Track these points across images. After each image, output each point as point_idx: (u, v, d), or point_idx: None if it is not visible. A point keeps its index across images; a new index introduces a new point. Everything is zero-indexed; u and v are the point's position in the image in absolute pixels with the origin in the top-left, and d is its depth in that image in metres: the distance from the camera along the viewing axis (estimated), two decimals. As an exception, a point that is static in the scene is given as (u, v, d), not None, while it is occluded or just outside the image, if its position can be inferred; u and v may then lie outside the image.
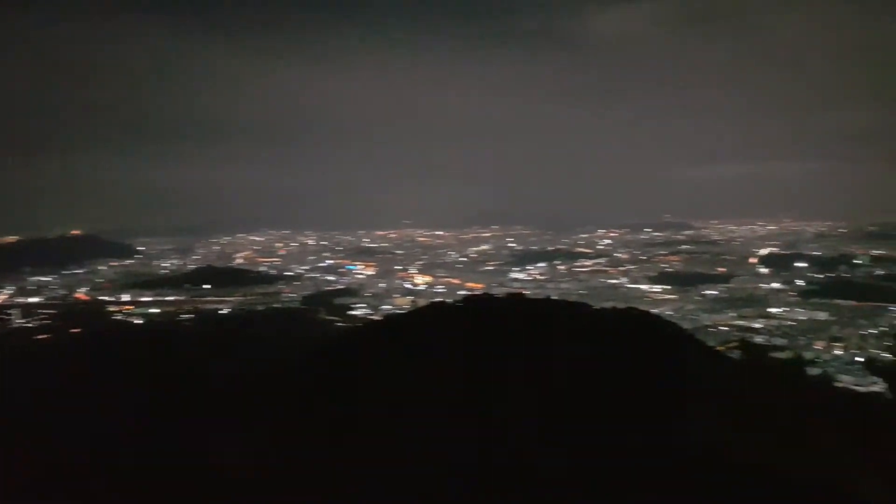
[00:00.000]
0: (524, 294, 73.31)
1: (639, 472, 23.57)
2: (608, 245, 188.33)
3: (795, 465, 17.11)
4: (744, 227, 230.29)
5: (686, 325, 71.66)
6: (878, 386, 57.58)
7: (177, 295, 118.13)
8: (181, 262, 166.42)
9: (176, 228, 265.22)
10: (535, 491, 24.97)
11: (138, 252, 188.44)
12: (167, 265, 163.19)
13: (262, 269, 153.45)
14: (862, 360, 67.32)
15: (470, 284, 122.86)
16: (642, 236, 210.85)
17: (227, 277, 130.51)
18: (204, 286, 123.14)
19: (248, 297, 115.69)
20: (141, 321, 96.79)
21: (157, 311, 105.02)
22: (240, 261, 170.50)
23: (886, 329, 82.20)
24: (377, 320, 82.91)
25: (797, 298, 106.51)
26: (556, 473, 25.50)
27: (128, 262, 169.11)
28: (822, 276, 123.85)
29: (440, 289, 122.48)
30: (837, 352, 71.95)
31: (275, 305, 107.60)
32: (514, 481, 26.30)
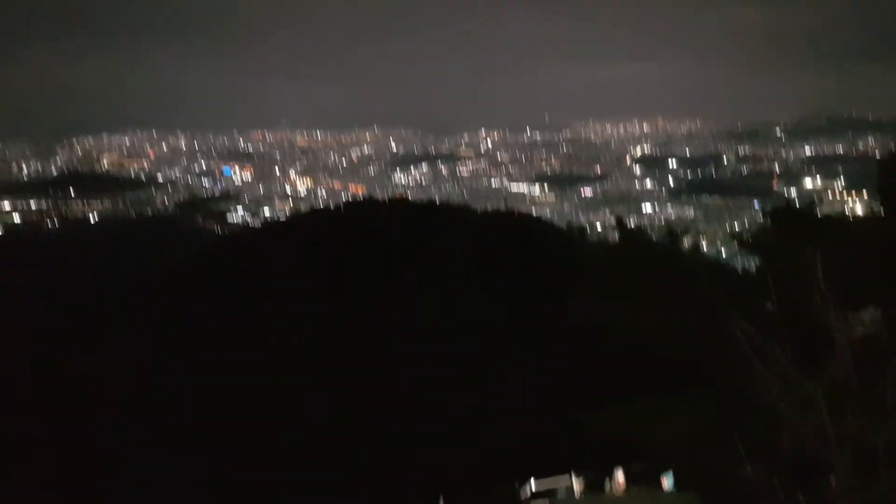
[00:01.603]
0: (407, 198, 72.81)
1: (530, 352, 23.84)
2: (490, 146, 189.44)
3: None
4: (620, 127, 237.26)
5: (564, 225, 73.67)
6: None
7: (40, 203, 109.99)
8: (42, 167, 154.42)
9: (34, 129, 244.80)
10: (422, 387, 24.98)
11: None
12: (26, 170, 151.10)
13: (130, 172, 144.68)
14: (724, 253, 71.81)
15: (352, 188, 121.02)
16: (523, 137, 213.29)
17: (93, 182, 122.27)
18: (69, 192, 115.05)
19: (119, 204, 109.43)
20: (0, 232, 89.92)
21: (19, 221, 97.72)
22: (106, 164, 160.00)
23: (748, 224, 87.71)
24: (256, 228, 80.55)
25: (668, 196, 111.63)
26: (442, 366, 25.50)
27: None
28: (691, 174, 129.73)
29: (321, 193, 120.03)
30: (704, 247, 76.36)
31: (147, 212, 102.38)
32: (401, 381, 26.28)
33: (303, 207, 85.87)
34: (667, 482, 15.03)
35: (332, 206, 64.75)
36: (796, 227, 14.12)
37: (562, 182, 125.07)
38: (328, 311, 34.16)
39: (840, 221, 16.02)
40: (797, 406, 6.49)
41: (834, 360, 6.54)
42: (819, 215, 17.43)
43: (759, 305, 7.70)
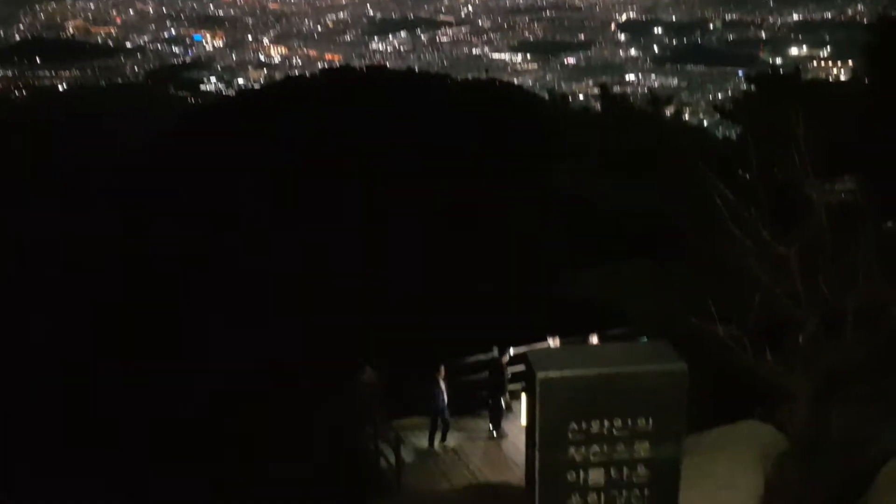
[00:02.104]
0: (385, 66, 70.86)
1: (508, 219, 23.96)
2: (471, 11, 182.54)
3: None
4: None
5: (546, 94, 72.37)
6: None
7: (4, 70, 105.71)
8: (4, 33, 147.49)
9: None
10: (399, 256, 25.10)
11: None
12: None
13: (98, 39, 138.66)
14: (706, 123, 71.30)
15: (328, 56, 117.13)
16: (505, 1, 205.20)
17: (59, 50, 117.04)
18: (35, 60, 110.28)
19: (87, 72, 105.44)
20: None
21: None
22: (72, 30, 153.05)
23: (731, 93, 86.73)
24: (231, 97, 78.32)
25: (652, 65, 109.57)
26: (408, 233, 25.54)
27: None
28: (676, 41, 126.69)
29: (296, 61, 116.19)
30: (686, 116, 75.70)
31: (118, 81, 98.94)
32: (379, 248, 26.32)
33: (277, 76, 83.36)
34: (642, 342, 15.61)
35: (307, 75, 62.80)
36: (779, 92, 13.98)
37: (545, 50, 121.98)
38: (304, 185, 33.81)
39: (824, 86, 15.90)
40: (770, 268, 6.63)
41: (809, 224, 6.62)
42: (803, 81, 17.27)
43: (739, 171, 7.70)
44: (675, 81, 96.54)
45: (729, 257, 7.08)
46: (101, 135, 61.31)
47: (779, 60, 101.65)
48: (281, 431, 15.10)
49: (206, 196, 36.11)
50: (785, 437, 5.79)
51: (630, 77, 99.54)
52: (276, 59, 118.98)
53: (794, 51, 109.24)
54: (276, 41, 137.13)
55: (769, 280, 6.59)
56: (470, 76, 67.60)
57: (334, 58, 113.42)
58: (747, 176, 7.79)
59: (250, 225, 31.30)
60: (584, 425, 2.47)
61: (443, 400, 14.80)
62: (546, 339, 15.64)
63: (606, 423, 2.48)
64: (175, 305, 22.88)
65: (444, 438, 14.74)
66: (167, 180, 40.15)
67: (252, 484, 13.29)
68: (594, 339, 15.44)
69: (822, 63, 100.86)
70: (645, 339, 15.46)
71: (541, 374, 2.41)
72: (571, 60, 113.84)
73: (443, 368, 15.02)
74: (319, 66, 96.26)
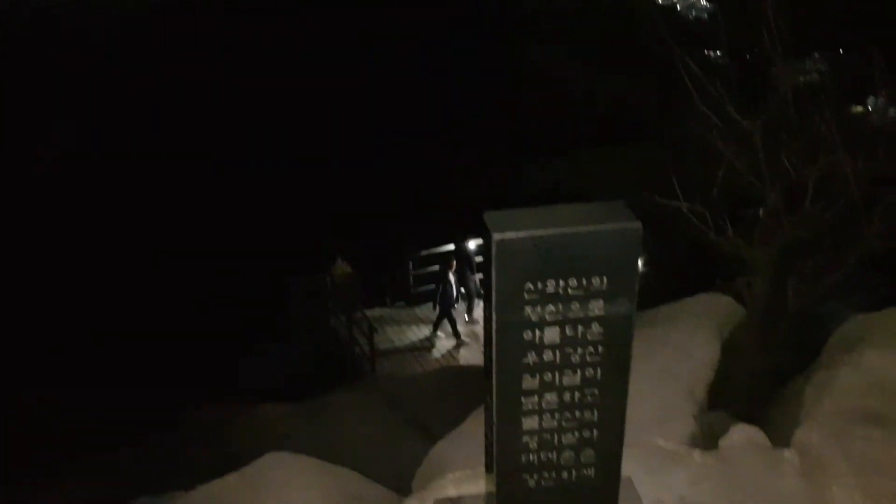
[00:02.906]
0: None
1: (480, 101, 23.63)
2: None
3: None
4: None
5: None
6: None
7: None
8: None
9: None
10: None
11: None
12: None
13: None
14: (679, 7, 69.73)
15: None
16: None
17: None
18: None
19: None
20: None
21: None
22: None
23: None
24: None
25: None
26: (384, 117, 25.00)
27: None
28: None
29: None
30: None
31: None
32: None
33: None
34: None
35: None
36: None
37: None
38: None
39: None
40: (734, 144, 6.67)
41: (774, 99, 6.62)
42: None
43: (708, 48, 7.61)
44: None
45: (694, 135, 7.09)
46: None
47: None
48: (256, 323, 15.30)
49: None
50: (742, 307, 5.99)
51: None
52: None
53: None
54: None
55: (733, 156, 6.64)
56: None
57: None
58: (717, 53, 7.69)
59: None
60: (539, 285, 2.50)
61: (452, 294, 15.03)
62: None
63: (562, 282, 2.51)
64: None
65: (455, 332, 15.06)
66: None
67: (231, 374, 13.57)
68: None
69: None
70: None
71: (497, 236, 2.42)
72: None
73: (454, 262, 15.13)
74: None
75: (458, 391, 9.60)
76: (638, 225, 2.51)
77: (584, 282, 2.54)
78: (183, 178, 20.67)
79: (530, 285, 2.51)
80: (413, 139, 22.26)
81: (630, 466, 3.37)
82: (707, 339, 5.11)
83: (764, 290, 6.51)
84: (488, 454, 2.85)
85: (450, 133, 22.06)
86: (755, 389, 5.77)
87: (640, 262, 2.58)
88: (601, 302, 2.57)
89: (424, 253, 17.51)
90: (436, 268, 17.03)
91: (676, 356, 4.83)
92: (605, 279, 2.54)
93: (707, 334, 5.14)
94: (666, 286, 12.44)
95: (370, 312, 16.50)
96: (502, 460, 2.76)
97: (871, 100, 8.02)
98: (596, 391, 2.70)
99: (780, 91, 6.74)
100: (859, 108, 8.69)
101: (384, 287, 18.02)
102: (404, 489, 4.44)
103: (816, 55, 12.26)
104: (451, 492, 3.50)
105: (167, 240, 18.21)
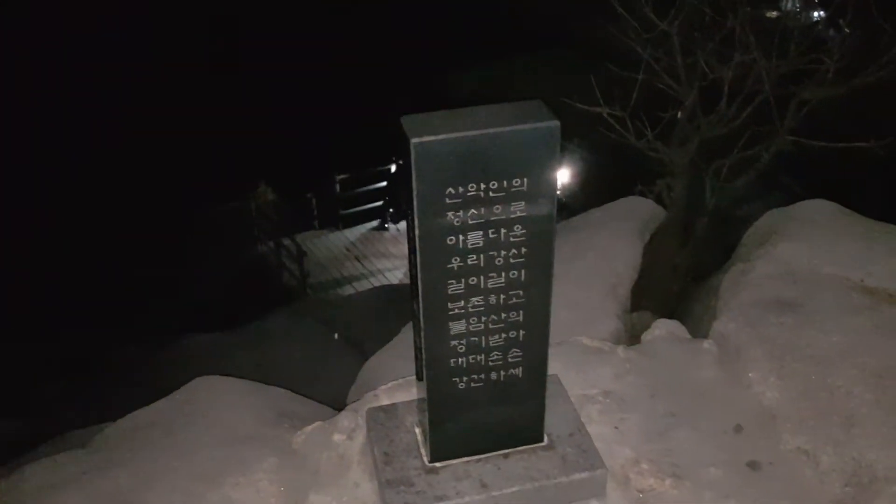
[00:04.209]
0: None
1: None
2: None
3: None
4: None
5: None
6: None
7: None
8: None
9: None
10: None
11: None
12: None
13: None
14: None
15: None
16: None
17: None
18: None
19: None
20: None
21: None
22: None
23: None
24: None
25: None
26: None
27: None
28: None
29: None
30: None
31: None
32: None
33: None
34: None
35: None
36: None
37: None
38: None
39: None
40: (652, 46, 6.69)
41: (689, 1, 6.62)
42: None
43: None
44: None
45: (613, 39, 7.08)
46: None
47: None
48: (176, 253, 14.92)
49: None
50: (663, 209, 6.13)
51: None
52: None
53: None
54: None
55: (651, 58, 6.67)
56: None
57: None
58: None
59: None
60: (460, 189, 2.47)
61: None
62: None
63: (483, 185, 2.48)
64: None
65: None
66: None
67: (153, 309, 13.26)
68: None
69: None
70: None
71: (415, 140, 2.36)
72: None
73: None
74: None
75: (392, 309, 9.65)
76: (556, 123, 2.49)
77: (505, 183, 2.52)
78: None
79: (451, 189, 2.48)
80: (326, 55, 21.55)
81: (557, 365, 3.45)
82: (630, 242, 5.22)
83: (682, 191, 6.69)
84: (418, 360, 2.87)
85: (366, 47, 21.46)
86: (676, 287, 5.99)
87: (559, 164, 2.57)
88: (522, 203, 2.56)
89: (346, 176, 17.33)
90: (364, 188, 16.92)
91: (600, 259, 4.93)
92: (525, 180, 2.53)
93: (629, 237, 5.25)
94: (591, 191, 12.68)
95: (299, 237, 16.32)
96: (431, 366, 2.78)
97: (784, 2, 8.10)
98: (521, 292, 2.72)
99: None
100: (773, 13, 8.79)
101: (312, 211, 17.79)
102: (339, 405, 4.47)
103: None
104: (384, 401, 3.54)
105: (78, 173, 17.37)
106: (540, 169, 2.50)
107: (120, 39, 21.52)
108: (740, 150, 6.77)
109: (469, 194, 2.47)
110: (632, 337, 4.54)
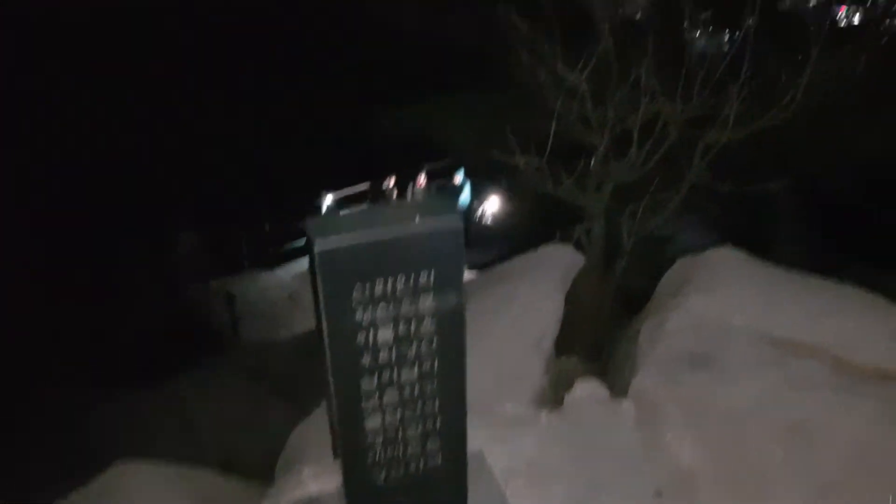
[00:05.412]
0: None
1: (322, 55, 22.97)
2: None
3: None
4: None
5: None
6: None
7: None
8: None
9: None
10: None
11: None
12: None
13: None
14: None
15: None
16: None
17: None
18: None
19: None
20: None
21: None
22: None
23: None
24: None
25: None
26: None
27: None
28: None
29: None
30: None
31: None
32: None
33: None
34: (458, 176, 16.03)
35: None
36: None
37: None
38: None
39: None
40: (564, 95, 6.85)
41: (598, 51, 6.82)
42: None
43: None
44: None
45: (529, 88, 7.23)
46: None
47: None
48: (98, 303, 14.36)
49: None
50: (582, 254, 6.25)
51: None
52: None
53: None
54: None
55: (563, 108, 6.82)
56: None
57: None
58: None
59: None
60: (367, 287, 2.46)
61: None
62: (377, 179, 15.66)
63: (390, 281, 2.48)
64: None
65: None
66: None
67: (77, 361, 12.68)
68: (422, 178, 15.73)
69: None
70: (462, 171, 16.00)
71: (318, 247, 2.36)
72: None
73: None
74: None
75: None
76: (459, 224, 2.53)
77: (413, 278, 2.53)
78: None
79: (358, 289, 2.48)
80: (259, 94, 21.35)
81: (481, 437, 3.46)
82: (551, 292, 5.30)
83: (599, 235, 6.85)
84: (335, 453, 2.83)
85: (297, 87, 21.35)
86: (598, 333, 6.10)
87: (465, 255, 2.60)
88: (431, 296, 2.58)
89: (276, 211, 17.05)
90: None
91: (523, 312, 4.99)
92: (432, 274, 2.54)
93: (551, 286, 5.33)
94: (513, 238, 12.84)
95: (228, 279, 15.98)
96: (349, 462, 2.76)
97: (689, 41, 8.42)
98: (435, 382, 2.73)
99: (602, 39, 6.95)
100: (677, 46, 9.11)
101: (240, 251, 17.45)
102: (268, 475, 4.37)
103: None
104: (309, 485, 3.48)
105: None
106: (446, 262, 2.52)
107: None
108: (652, 194, 6.97)
109: (376, 293, 2.47)
110: (557, 391, 4.60)
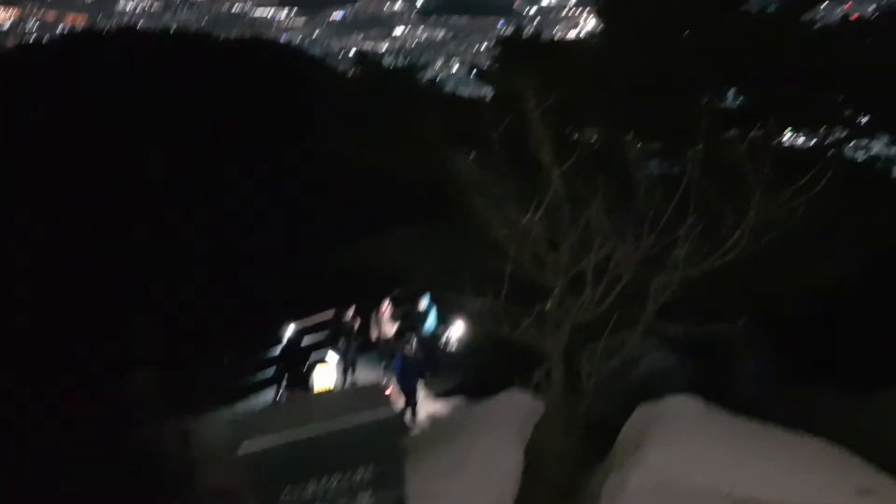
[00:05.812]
0: (136, 28, 65.35)
1: (278, 187, 23.20)
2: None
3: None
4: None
5: (316, 51, 71.01)
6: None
7: None
8: None
9: None
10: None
11: None
12: None
13: None
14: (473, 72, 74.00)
15: (71, 19, 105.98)
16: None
17: None
18: None
19: None
20: None
21: None
22: None
23: (493, 42, 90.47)
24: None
25: (418, 17, 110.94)
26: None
27: None
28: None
29: (31, 27, 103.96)
30: (454, 69, 78.01)
31: None
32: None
33: (8, 44, 74.16)
34: (424, 302, 15.92)
35: (45, 42, 56.20)
36: (521, 54, 14.63)
37: (310, 5, 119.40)
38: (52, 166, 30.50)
39: (563, 46, 16.87)
40: (518, 237, 6.91)
41: (549, 192, 6.94)
42: (547, 39, 18.20)
43: (485, 138, 7.84)
44: (441, 34, 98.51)
45: (483, 229, 7.28)
46: None
47: (533, 10, 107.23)
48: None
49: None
50: (542, 401, 6.10)
51: (398, 31, 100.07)
52: (6, 26, 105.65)
53: (545, 1, 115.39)
54: (5, 3, 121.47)
55: (516, 250, 6.86)
56: (232, 34, 63.97)
57: (77, 20, 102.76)
58: (493, 141, 7.91)
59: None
60: (299, 487, 2.31)
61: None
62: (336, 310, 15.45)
63: (324, 479, 2.33)
64: None
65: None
66: None
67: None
68: (386, 304, 15.59)
69: (571, 12, 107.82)
70: (427, 297, 15.94)
71: (243, 449, 2.22)
72: (338, 15, 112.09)
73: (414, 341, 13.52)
74: (59, 30, 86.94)
75: None
76: (394, 413, 2.41)
77: (349, 475, 2.39)
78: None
79: (289, 490, 2.33)
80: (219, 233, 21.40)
81: None
82: (510, 444, 5.12)
83: (559, 377, 6.74)
84: None
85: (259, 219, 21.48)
86: (560, 488, 5.86)
87: (404, 447, 2.47)
88: (369, 492, 2.43)
89: (234, 346, 16.70)
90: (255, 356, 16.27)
91: (480, 472, 4.79)
92: (370, 468, 2.41)
93: (509, 440, 5.16)
94: (479, 365, 12.63)
95: (184, 418, 15.37)
96: None
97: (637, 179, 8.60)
98: (377, 585, 2.53)
99: (552, 181, 7.08)
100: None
101: (197, 386, 16.91)
102: None
103: (586, 132, 13.28)
104: None
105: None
106: (384, 455, 2.40)
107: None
108: (610, 334, 6.93)
109: (308, 494, 2.32)
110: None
